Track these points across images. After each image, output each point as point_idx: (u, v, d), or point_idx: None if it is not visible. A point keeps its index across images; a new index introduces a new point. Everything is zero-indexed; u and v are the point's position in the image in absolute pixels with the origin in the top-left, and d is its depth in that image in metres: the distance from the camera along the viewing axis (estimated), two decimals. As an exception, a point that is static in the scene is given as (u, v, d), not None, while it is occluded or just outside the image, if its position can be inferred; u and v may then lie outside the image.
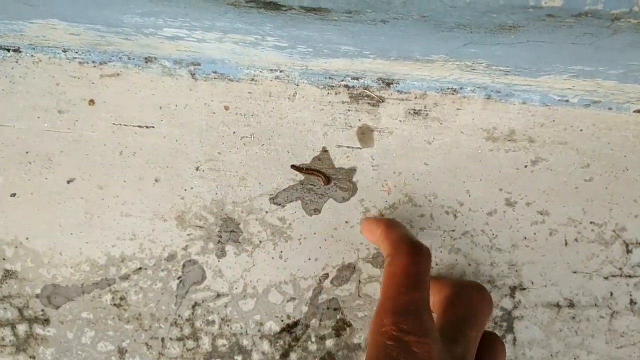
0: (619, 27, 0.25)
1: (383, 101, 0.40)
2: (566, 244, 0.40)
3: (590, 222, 0.41)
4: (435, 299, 0.35)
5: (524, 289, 0.40)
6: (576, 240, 0.40)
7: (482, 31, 0.27)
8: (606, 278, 0.40)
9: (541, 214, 0.40)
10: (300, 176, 0.40)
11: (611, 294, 0.40)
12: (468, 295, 0.34)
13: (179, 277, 0.40)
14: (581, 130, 0.40)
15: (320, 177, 0.40)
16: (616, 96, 0.38)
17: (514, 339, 0.40)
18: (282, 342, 0.40)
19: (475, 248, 0.41)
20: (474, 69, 0.35)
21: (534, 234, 0.40)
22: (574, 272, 0.40)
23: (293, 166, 0.40)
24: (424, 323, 0.28)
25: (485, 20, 0.26)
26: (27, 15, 0.33)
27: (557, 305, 0.40)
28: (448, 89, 0.40)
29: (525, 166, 0.40)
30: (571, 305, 0.40)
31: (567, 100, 0.40)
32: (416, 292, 0.30)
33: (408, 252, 0.31)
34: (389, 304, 0.29)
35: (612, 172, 0.40)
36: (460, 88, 0.40)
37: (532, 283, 0.40)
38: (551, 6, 0.23)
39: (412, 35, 0.29)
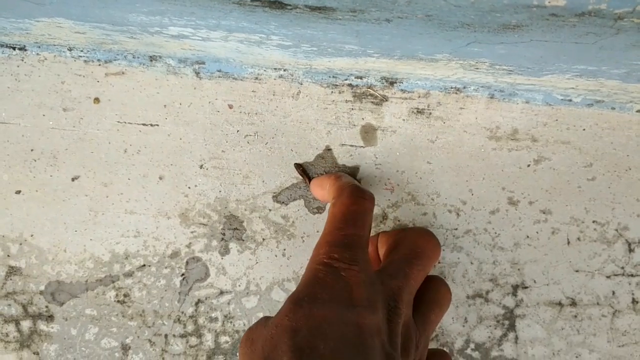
0: (622, 27, 0.25)
1: (386, 100, 0.40)
2: (568, 242, 0.41)
3: (593, 221, 0.41)
4: (384, 248, 0.36)
5: (526, 287, 0.41)
6: (578, 239, 0.41)
7: (486, 30, 0.27)
8: (608, 277, 0.41)
9: (544, 213, 0.41)
10: (303, 174, 0.41)
11: (613, 292, 0.41)
12: (412, 238, 0.35)
13: (183, 275, 0.41)
14: (584, 129, 0.40)
15: (305, 180, 0.40)
16: (619, 96, 0.38)
17: (516, 337, 0.41)
18: (285, 340, 0.40)
19: (477, 246, 0.41)
20: (477, 68, 0.35)
21: (537, 232, 0.41)
22: (576, 271, 0.41)
23: (296, 164, 0.40)
24: (355, 254, 0.30)
25: (489, 20, 0.26)
26: (34, 13, 0.33)
27: (559, 304, 0.41)
28: (451, 88, 0.40)
29: (528, 165, 0.40)
30: (573, 303, 0.41)
31: (570, 100, 0.40)
32: (353, 229, 0.31)
33: (350, 194, 0.33)
34: (326, 238, 0.31)
35: (615, 172, 0.40)
36: (464, 87, 0.40)
37: (535, 281, 0.41)
38: (555, 5, 0.24)
39: (416, 34, 0.29)
